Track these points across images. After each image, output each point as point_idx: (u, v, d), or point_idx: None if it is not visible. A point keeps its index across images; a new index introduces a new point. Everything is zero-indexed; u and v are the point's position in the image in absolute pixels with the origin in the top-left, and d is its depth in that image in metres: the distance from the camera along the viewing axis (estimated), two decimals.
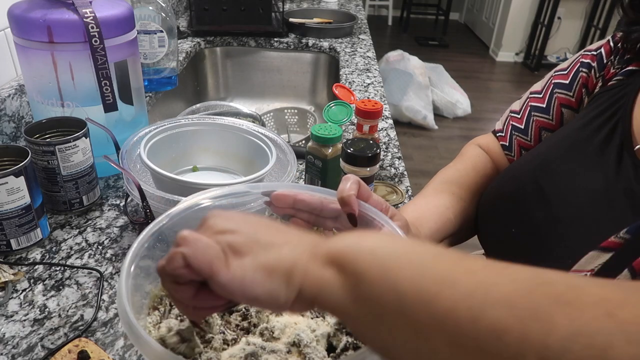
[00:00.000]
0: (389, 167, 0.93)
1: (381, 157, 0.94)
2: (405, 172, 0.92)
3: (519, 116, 0.73)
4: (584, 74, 0.67)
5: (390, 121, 1.12)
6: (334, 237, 0.34)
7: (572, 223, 0.52)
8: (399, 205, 0.80)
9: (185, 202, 0.48)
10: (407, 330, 0.28)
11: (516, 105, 0.75)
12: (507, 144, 0.74)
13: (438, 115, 3.45)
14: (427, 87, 3.32)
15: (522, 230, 0.57)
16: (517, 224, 0.58)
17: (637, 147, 0.53)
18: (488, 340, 0.25)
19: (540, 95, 0.71)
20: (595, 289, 0.25)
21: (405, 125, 3.32)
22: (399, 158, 0.97)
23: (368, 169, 0.67)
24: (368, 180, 0.67)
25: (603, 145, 0.55)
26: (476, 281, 0.27)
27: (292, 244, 0.34)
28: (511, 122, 0.74)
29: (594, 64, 0.66)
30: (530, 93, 0.73)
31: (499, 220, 0.62)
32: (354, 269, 0.30)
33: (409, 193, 0.85)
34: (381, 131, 1.06)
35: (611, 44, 0.66)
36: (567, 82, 0.68)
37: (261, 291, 0.32)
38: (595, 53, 0.67)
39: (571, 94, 0.68)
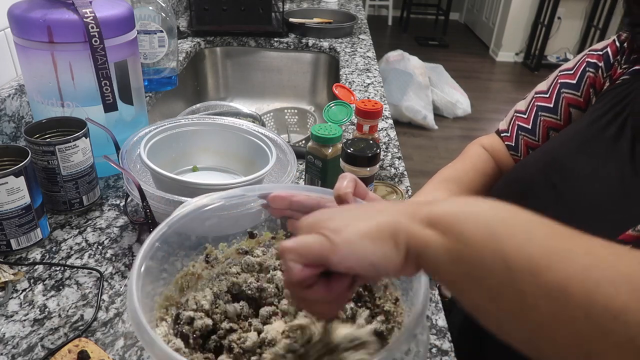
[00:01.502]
0: (389, 167, 0.93)
1: (381, 157, 0.94)
2: (405, 172, 0.92)
3: (525, 116, 0.73)
4: (591, 74, 0.67)
5: (390, 121, 1.12)
6: (433, 201, 0.34)
7: (588, 218, 0.52)
8: None
9: (186, 207, 0.48)
10: (510, 297, 0.27)
11: (521, 106, 0.75)
12: (513, 144, 0.74)
13: (438, 115, 3.45)
14: (427, 87, 3.32)
15: None
16: None
17: None
18: (602, 317, 0.24)
19: (547, 95, 0.71)
20: None
21: (405, 125, 3.32)
22: (399, 158, 0.97)
23: (368, 169, 0.67)
24: (368, 180, 0.67)
25: (614, 141, 0.55)
26: (592, 257, 0.26)
27: (387, 212, 0.34)
28: (517, 122, 0.74)
29: (601, 64, 0.66)
30: (536, 93, 0.73)
31: None
32: (459, 231, 0.30)
33: (409, 193, 0.85)
34: (381, 131, 1.06)
35: (617, 43, 0.66)
36: (574, 82, 0.68)
37: (374, 256, 0.32)
38: (601, 53, 0.67)
39: (579, 93, 0.68)
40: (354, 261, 0.32)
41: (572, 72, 0.69)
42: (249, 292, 0.49)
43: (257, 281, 0.50)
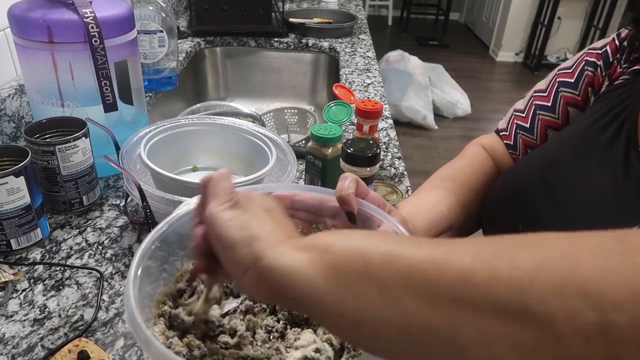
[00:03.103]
0: (389, 167, 0.93)
1: (381, 157, 0.94)
2: (405, 172, 0.92)
3: (523, 115, 0.73)
4: (589, 73, 0.67)
5: (390, 121, 1.12)
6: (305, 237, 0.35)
7: (582, 220, 0.52)
8: None
9: (185, 206, 0.48)
10: (375, 294, 0.27)
11: (520, 105, 0.75)
12: (512, 143, 0.74)
13: (438, 115, 3.45)
14: (427, 87, 3.32)
15: (530, 226, 0.57)
16: (524, 220, 0.58)
17: None
18: (457, 286, 0.25)
19: (545, 94, 0.71)
20: (554, 233, 0.27)
21: (405, 125, 3.32)
22: (399, 158, 0.97)
23: (368, 169, 0.67)
24: (368, 180, 0.67)
25: (610, 144, 0.55)
26: (438, 244, 0.28)
27: (276, 227, 0.35)
28: (516, 121, 0.74)
29: (600, 63, 0.66)
30: (535, 92, 0.73)
31: (505, 217, 0.62)
32: (322, 245, 0.31)
33: (409, 193, 0.85)
34: (381, 131, 1.06)
35: (617, 42, 0.66)
36: (572, 80, 0.68)
37: (224, 234, 0.34)
38: (600, 52, 0.67)
39: (577, 92, 0.68)
40: (215, 224, 0.35)
41: (570, 70, 0.69)
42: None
43: None
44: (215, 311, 0.44)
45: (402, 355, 0.28)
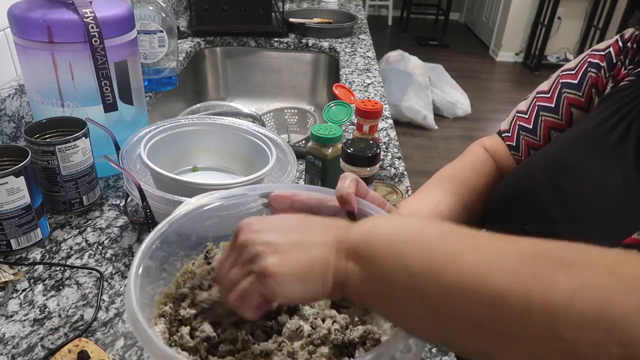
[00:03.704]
0: (389, 167, 0.93)
1: (381, 157, 0.94)
2: (405, 172, 0.92)
3: (526, 116, 0.73)
4: (593, 74, 0.67)
5: (390, 121, 1.12)
6: (355, 225, 0.37)
7: (593, 221, 0.52)
8: None
9: (186, 206, 0.48)
10: (419, 305, 0.31)
11: (523, 106, 0.75)
12: (515, 144, 0.74)
13: (438, 115, 3.44)
14: (427, 87, 3.32)
15: (537, 228, 0.57)
16: (531, 221, 0.58)
17: None
18: (494, 305, 0.27)
19: (548, 95, 0.71)
20: (595, 252, 0.27)
21: (405, 125, 3.32)
22: (399, 158, 0.97)
23: (368, 169, 0.67)
24: (368, 180, 0.67)
25: (619, 144, 0.55)
26: (480, 254, 0.30)
27: (322, 244, 0.37)
28: (518, 122, 0.74)
29: (603, 64, 0.66)
30: (537, 93, 0.73)
31: (510, 217, 0.62)
32: (369, 255, 0.34)
33: (409, 193, 0.85)
34: (381, 131, 1.06)
35: (620, 43, 0.65)
36: (575, 82, 0.68)
37: (303, 296, 0.36)
38: (604, 53, 0.67)
39: (580, 94, 0.68)
40: (284, 299, 0.37)
41: (573, 72, 0.69)
42: None
43: None
44: None
45: (448, 349, 0.34)
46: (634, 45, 0.63)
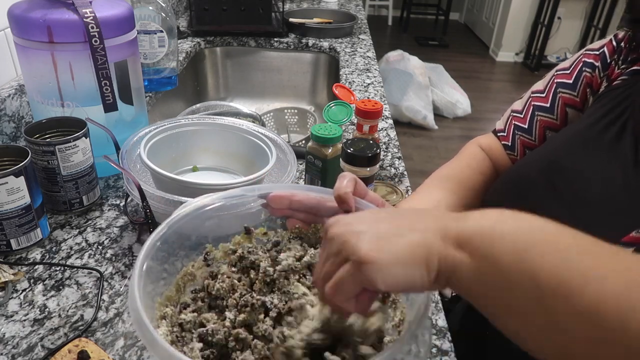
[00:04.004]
0: (389, 167, 0.93)
1: (381, 157, 0.94)
2: (405, 172, 0.92)
3: (521, 116, 0.73)
4: (587, 74, 0.67)
5: (390, 121, 1.12)
6: (462, 217, 0.34)
7: (590, 220, 0.52)
8: None
9: (186, 207, 0.48)
10: (542, 320, 0.28)
11: (518, 105, 0.75)
12: (510, 144, 0.74)
13: (438, 115, 3.44)
14: (427, 87, 3.32)
15: None
16: None
17: None
18: (637, 340, 0.25)
19: (543, 95, 0.71)
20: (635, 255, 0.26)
21: (405, 125, 3.32)
22: (399, 158, 0.97)
23: (368, 169, 0.67)
24: (368, 180, 0.67)
25: (615, 143, 0.55)
26: (626, 280, 0.27)
27: (419, 228, 0.35)
28: (514, 122, 0.74)
29: (598, 64, 0.66)
30: (532, 92, 0.73)
31: None
32: (486, 253, 0.31)
33: (409, 193, 0.85)
34: (381, 131, 1.06)
35: (614, 43, 0.66)
36: (570, 81, 0.68)
37: (406, 282, 0.33)
38: (598, 52, 0.67)
39: (575, 93, 0.68)
40: (386, 287, 0.33)
41: (568, 71, 0.69)
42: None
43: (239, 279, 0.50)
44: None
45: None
46: (627, 45, 0.63)
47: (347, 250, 0.34)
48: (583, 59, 0.68)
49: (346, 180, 0.46)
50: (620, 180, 0.52)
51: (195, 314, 0.46)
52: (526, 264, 0.29)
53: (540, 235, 0.31)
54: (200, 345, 0.42)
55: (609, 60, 0.65)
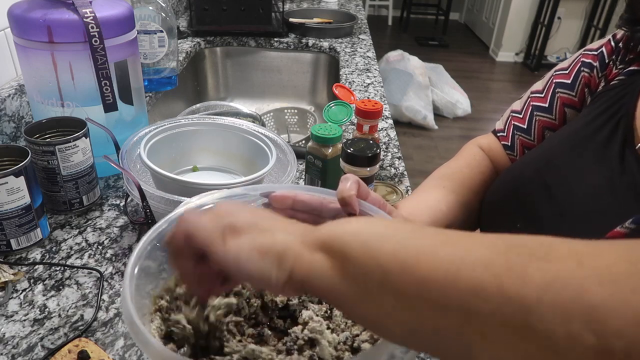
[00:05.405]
0: (389, 167, 0.93)
1: (381, 157, 0.94)
2: (405, 172, 0.92)
3: (520, 116, 0.73)
4: (585, 74, 0.67)
5: (390, 121, 1.12)
6: (323, 224, 0.35)
7: (578, 217, 0.53)
8: None
9: (185, 205, 0.48)
10: (392, 301, 0.29)
11: (517, 105, 0.75)
12: (509, 144, 0.74)
13: (438, 115, 3.45)
14: (427, 87, 3.32)
15: (528, 225, 0.58)
16: (522, 219, 0.59)
17: (639, 145, 0.53)
18: (468, 298, 0.26)
19: (542, 95, 0.71)
20: (565, 244, 0.27)
21: (405, 125, 3.32)
22: (399, 158, 0.97)
23: (368, 169, 0.67)
24: (368, 180, 0.67)
25: (606, 143, 0.56)
26: (453, 249, 0.29)
27: (287, 231, 0.36)
28: (513, 122, 0.74)
29: (596, 64, 0.66)
30: (531, 93, 0.73)
31: (504, 216, 0.63)
32: (340, 250, 0.32)
33: (409, 193, 0.85)
34: (381, 131, 1.06)
35: (612, 43, 0.66)
36: (569, 81, 0.69)
37: (254, 269, 0.34)
38: (596, 53, 0.67)
39: (574, 93, 0.68)
40: (232, 265, 0.34)
41: (567, 71, 0.69)
42: None
43: None
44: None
45: (418, 349, 0.31)
46: (626, 46, 0.63)
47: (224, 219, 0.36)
48: (581, 59, 0.68)
49: (349, 183, 0.46)
50: (606, 178, 0.53)
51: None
52: (373, 252, 0.31)
53: (384, 231, 0.33)
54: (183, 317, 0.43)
55: (607, 61, 0.65)
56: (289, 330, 0.44)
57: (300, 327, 0.44)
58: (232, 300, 0.44)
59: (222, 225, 0.35)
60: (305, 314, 0.45)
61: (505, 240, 0.29)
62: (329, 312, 0.47)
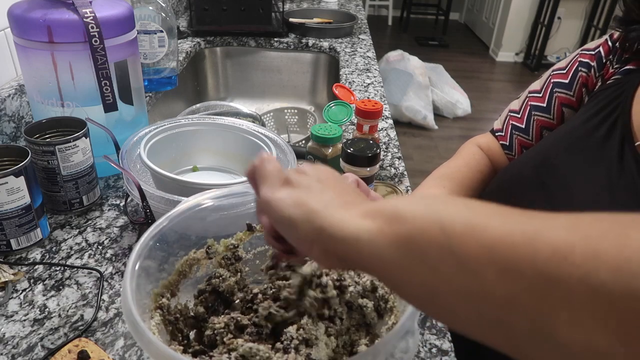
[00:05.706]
0: (389, 167, 0.93)
1: (381, 157, 0.94)
2: (405, 172, 0.92)
3: (519, 116, 0.73)
4: (583, 74, 0.67)
5: (390, 121, 1.12)
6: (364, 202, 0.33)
7: None
8: None
9: (185, 203, 0.48)
10: (453, 266, 0.25)
11: (515, 105, 0.75)
12: (508, 144, 0.74)
13: (438, 115, 3.45)
14: (427, 87, 3.32)
15: None
16: None
17: (638, 143, 0.53)
18: (550, 262, 0.22)
19: (540, 95, 0.71)
20: None
21: (405, 125, 3.32)
22: (399, 158, 0.97)
23: (368, 169, 0.67)
24: (368, 180, 0.67)
25: (604, 141, 0.56)
26: (530, 215, 0.25)
27: (332, 196, 0.33)
28: (511, 122, 0.74)
29: (594, 64, 0.66)
30: (529, 92, 0.73)
31: None
32: (391, 213, 0.29)
33: (409, 193, 0.85)
34: (381, 131, 1.06)
35: (609, 43, 0.66)
36: (566, 81, 0.69)
37: (283, 215, 0.33)
38: (594, 53, 0.67)
39: (571, 93, 0.68)
40: (267, 207, 0.34)
41: (564, 71, 0.70)
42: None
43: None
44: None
45: (480, 332, 0.26)
46: (622, 45, 0.63)
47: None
48: (579, 59, 0.68)
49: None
50: (604, 178, 0.53)
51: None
52: (432, 213, 0.27)
53: (438, 200, 0.30)
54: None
55: (604, 61, 0.66)
56: (284, 330, 0.44)
57: (295, 326, 0.44)
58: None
59: (284, 178, 0.35)
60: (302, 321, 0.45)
61: (589, 214, 0.25)
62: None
